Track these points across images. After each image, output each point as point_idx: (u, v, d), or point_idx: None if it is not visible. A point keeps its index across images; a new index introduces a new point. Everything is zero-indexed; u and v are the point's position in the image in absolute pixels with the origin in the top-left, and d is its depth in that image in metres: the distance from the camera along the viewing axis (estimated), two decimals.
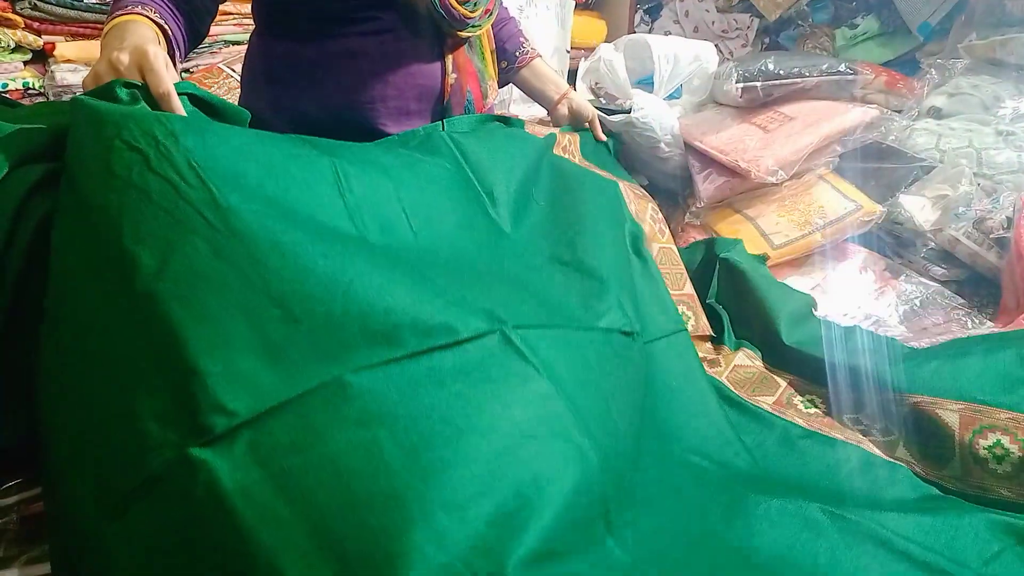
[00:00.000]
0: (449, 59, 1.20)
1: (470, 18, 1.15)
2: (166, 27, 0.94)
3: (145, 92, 0.79)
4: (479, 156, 1.07)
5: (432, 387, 0.65)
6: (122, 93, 0.77)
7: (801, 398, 1.20)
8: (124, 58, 0.80)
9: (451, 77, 1.21)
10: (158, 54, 0.81)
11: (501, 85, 1.51)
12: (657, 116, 1.78)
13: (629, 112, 1.77)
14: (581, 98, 1.62)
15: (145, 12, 0.92)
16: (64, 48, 2.02)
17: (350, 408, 0.61)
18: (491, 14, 1.23)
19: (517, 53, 1.51)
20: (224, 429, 0.59)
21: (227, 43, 2.29)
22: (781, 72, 1.83)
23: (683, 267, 1.34)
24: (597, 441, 0.74)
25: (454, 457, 0.62)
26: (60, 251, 0.71)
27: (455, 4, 1.11)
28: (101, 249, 0.68)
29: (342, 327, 0.66)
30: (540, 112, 2.02)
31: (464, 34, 1.18)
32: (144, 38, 0.88)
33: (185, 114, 0.81)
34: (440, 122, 1.16)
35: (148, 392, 0.61)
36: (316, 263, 0.69)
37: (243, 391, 0.60)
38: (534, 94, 1.61)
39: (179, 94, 0.82)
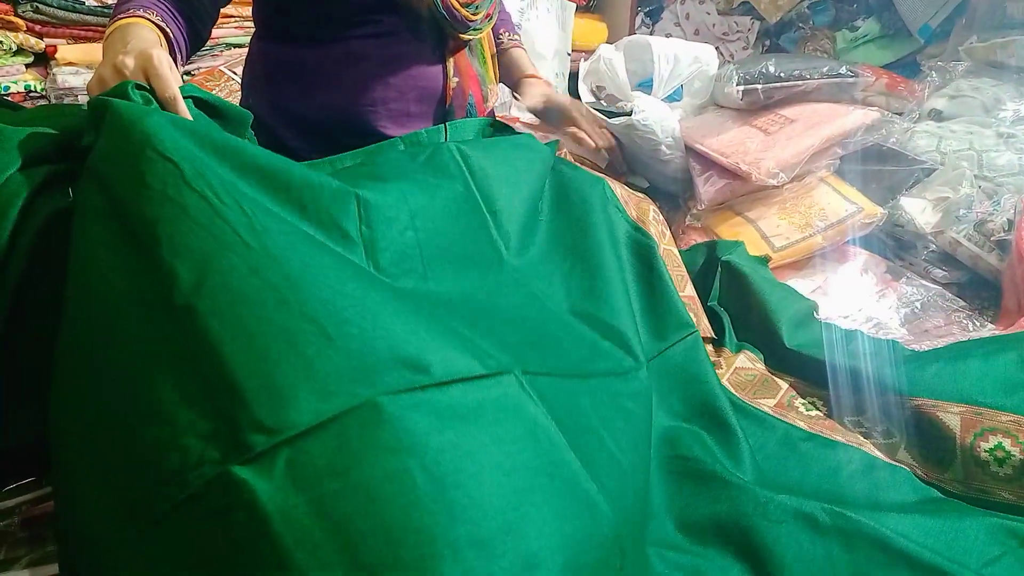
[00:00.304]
0: (450, 62, 1.21)
1: (472, 21, 1.15)
2: (168, 30, 0.94)
3: (152, 95, 0.80)
4: (485, 172, 1.07)
5: (456, 420, 0.65)
6: (135, 96, 0.78)
7: (802, 400, 1.20)
8: (129, 62, 0.81)
9: (453, 81, 1.21)
10: (162, 57, 0.81)
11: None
12: (658, 118, 1.79)
13: (630, 115, 1.77)
14: (544, 88, 1.47)
15: (147, 15, 0.92)
16: (66, 51, 2.03)
17: (383, 434, 0.61)
18: (491, 18, 1.23)
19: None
20: (264, 447, 0.59)
21: (228, 46, 2.29)
22: (782, 74, 1.83)
23: (684, 269, 1.34)
24: (604, 485, 0.74)
25: (479, 494, 0.62)
26: (84, 253, 0.70)
27: (457, 6, 1.11)
28: (136, 258, 0.67)
29: (373, 349, 0.66)
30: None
31: (466, 37, 1.18)
32: (147, 41, 0.88)
33: (191, 118, 0.81)
34: (443, 125, 1.16)
35: (187, 406, 0.61)
36: (346, 286, 0.70)
37: (281, 408, 0.60)
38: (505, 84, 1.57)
39: (183, 97, 0.82)
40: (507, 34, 1.45)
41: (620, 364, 1.00)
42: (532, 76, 1.38)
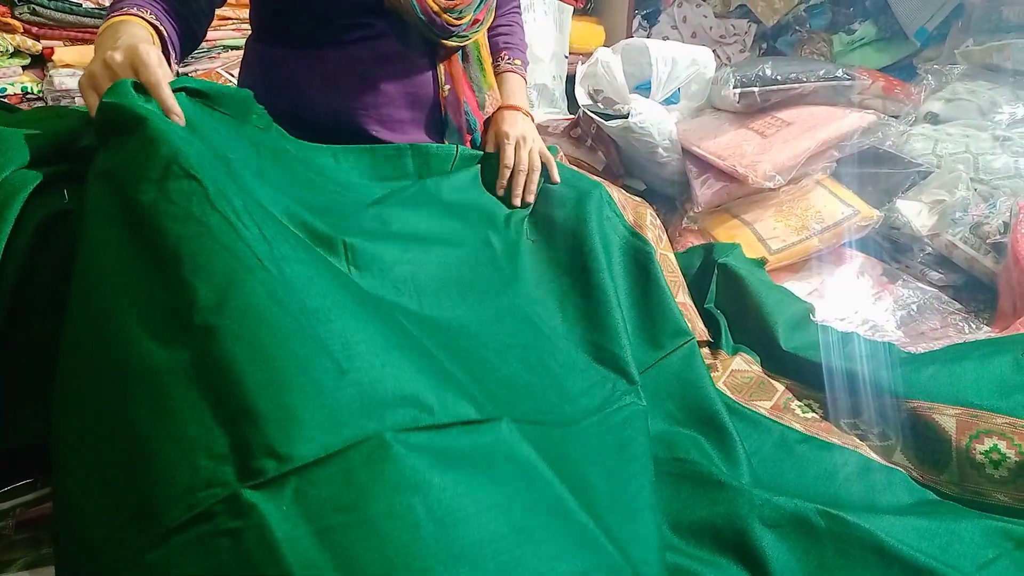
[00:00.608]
0: (441, 68, 1.20)
1: (455, 26, 1.14)
2: (161, 28, 0.94)
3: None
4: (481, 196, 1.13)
5: (457, 460, 0.66)
6: (135, 96, 0.77)
7: (799, 403, 1.21)
8: (117, 56, 0.80)
9: (444, 89, 1.21)
10: (150, 51, 0.81)
11: None
12: (655, 121, 1.79)
13: (627, 117, 1.78)
14: (506, 126, 1.25)
15: (140, 13, 0.92)
16: (62, 53, 2.03)
17: (389, 470, 0.62)
18: (481, 23, 1.22)
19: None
20: (274, 474, 0.59)
21: (225, 48, 2.29)
22: (779, 77, 1.84)
23: (680, 274, 1.34)
24: (601, 520, 0.76)
25: (480, 535, 0.62)
26: (94, 257, 0.70)
27: (437, 10, 1.10)
28: (153, 271, 0.67)
29: (382, 386, 0.67)
30: (540, 118, 2.02)
31: (450, 43, 1.17)
32: (137, 37, 0.88)
33: (179, 107, 0.80)
34: (455, 146, 1.18)
35: (199, 425, 0.61)
36: (360, 321, 0.71)
37: (293, 437, 0.61)
38: None
39: (175, 90, 0.81)
40: (506, 57, 1.39)
41: (614, 391, 1.01)
42: (509, 107, 1.30)
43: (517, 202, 1.17)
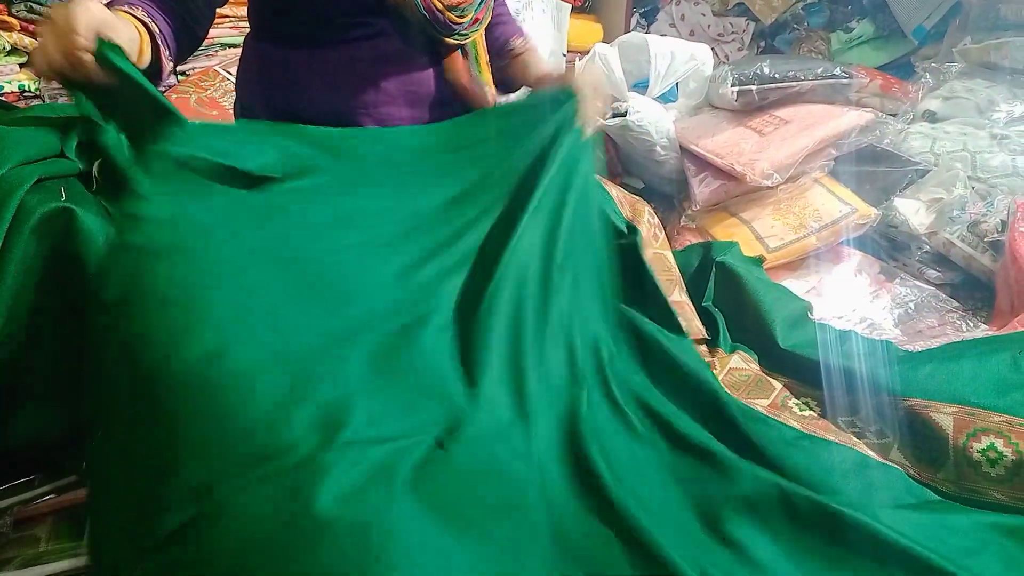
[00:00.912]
0: (443, 66, 1.20)
1: (457, 24, 1.14)
2: (152, 25, 0.94)
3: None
4: None
5: (479, 472, 0.75)
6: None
7: (796, 401, 1.21)
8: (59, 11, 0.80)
9: (447, 85, 1.21)
10: (89, 3, 0.80)
11: (507, 90, 1.46)
12: (653, 119, 1.79)
13: (625, 115, 1.78)
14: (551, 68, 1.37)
15: (130, 11, 0.92)
16: None
17: (424, 480, 0.70)
18: (481, 22, 1.22)
19: (503, 51, 1.43)
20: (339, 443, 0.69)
21: (223, 46, 2.29)
22: (776, 76, 1.83)
23: (675, 273, 1.34)
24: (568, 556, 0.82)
25: (498, 555, 0.70)
26: (153, 259, 0.72)
27: (442, 9, 1.10)
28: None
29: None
30: None
31: (452, 41, 1.17)
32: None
33: (91, 73, 0.80)
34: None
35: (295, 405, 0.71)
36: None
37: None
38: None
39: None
40: (519, 41, 1.39)
41: (577, 382, 1.04)
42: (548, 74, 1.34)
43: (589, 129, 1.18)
